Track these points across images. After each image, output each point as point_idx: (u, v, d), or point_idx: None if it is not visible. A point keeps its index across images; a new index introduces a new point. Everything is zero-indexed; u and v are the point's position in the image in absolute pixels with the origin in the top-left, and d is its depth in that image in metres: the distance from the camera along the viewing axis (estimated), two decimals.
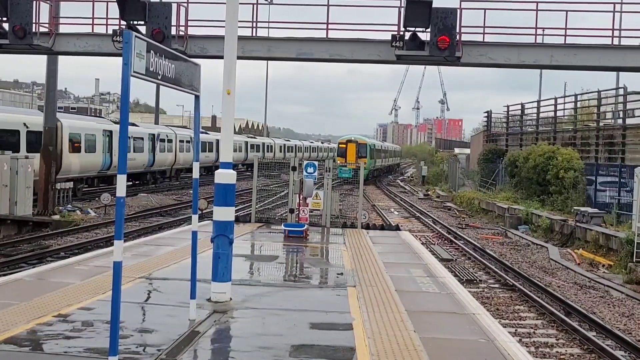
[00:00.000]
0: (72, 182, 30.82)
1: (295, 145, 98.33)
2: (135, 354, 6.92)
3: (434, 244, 24.21)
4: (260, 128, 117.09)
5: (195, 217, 8.53)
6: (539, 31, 20.60)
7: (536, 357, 11.32)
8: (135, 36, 6.14)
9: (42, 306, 8.65)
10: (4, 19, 20.44)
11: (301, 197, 17.74)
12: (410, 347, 7.50)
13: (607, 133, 33.94)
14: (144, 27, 20.08)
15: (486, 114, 54.77)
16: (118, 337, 6.02)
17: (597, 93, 36.31)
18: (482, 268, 19.80)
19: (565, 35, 20.32)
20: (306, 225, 17.02)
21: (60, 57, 27.34)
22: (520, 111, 47.65)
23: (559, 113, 42.14)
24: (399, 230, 19.86)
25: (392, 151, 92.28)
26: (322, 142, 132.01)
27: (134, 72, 6.11)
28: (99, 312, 8.42)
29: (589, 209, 25.88)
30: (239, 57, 9.69)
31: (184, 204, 34.85)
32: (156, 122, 56.36)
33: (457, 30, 19.59)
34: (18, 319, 8.00)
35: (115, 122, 40.37)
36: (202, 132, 58.84)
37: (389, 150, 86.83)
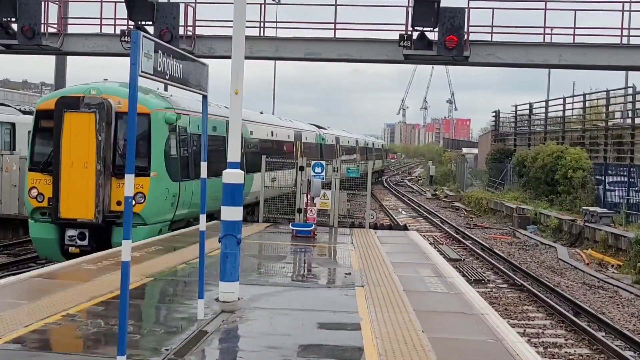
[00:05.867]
0: None
1: None
2: (144, 353, 6.93)
3: (442, 244, 24.16)
4: None
5: (203, 217, 8.53)
6: (548, 30, 20.55)
7: (545, 357, 11.27)
8: (143, 36, 6.16)
9: (51, 306, 8.67)
10: (13, 19, 20.54)
11: (309, 197, 17.74)
12: (419, 347, 7.48)
13: (616, 133, 33.79)
14: (152, 27, 20.14)
15: (494, 114, 54.63)
16: (126, 337, 6.03)
17: (605, 93, 36.15)
18: (491, 268, 19.75)
19: (574, 35, 20.27)
20: (314, 225, 17.01)
21: (68, 58, 27.44)
22: (528, 111, 47.51)
23: (567, 113, 41.99)
24: (407, 230, 19.82)
25: (350, 147, 47.75)
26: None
27: (142, 71, 6.13)
28: (107, 312, 8.44)
29: (598, 209, 25.76)
30: (246, 57, 9.71)
31: None
32: None
33: (465, 30, 19.57)
34: (27, 318, 8.02)
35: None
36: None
37: (335, 145, 40.26)
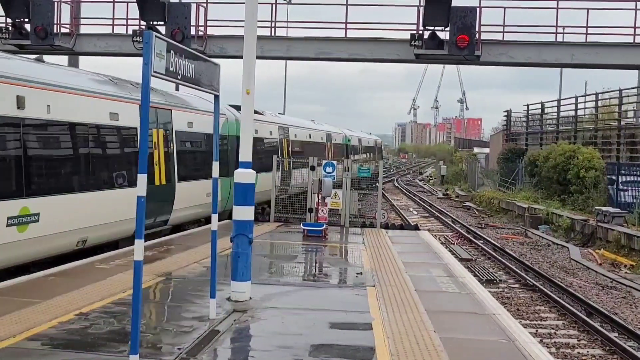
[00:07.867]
0: None
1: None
2: (156, 353, 6.96)
3: (454, 244, 24.09)
4: None
5: (214, 217, 8.55)
6: (560, 29, 20.49)
7: (557, 357, 11.22)
8: (155, 36, 6.18)
9: (65, 304, 8.72)
10: (26, 20, 20.68)
11: (320, 196, 17.75)
12: (430, 347, 7.47)
13: (629, 132, 33.58)
14: (164, 27, 20.22)
15: (506, 113, 54.41)
16: (139, 336, 6.06)
17: (618, 92, 35.94)
18: (502, 268, 19.67)
19: (587, 34, 20.19)
20: (325, 225, 17.02)
21: (81, 58, 27.58)
22: (540, 110, 47.30)
23: (579, 112, 41.75)
24: (418, 229, 19.79)
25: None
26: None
27: (154, 71, 6.15)
28: (120, 311, 8.48)
29: (611, 209, 25.60)
30: (258, 57, 9.71)
31: None
32: None
33: (477, 29, 19.52)
34: (41, 317, 8.07)
35: None
36: None
37: None
